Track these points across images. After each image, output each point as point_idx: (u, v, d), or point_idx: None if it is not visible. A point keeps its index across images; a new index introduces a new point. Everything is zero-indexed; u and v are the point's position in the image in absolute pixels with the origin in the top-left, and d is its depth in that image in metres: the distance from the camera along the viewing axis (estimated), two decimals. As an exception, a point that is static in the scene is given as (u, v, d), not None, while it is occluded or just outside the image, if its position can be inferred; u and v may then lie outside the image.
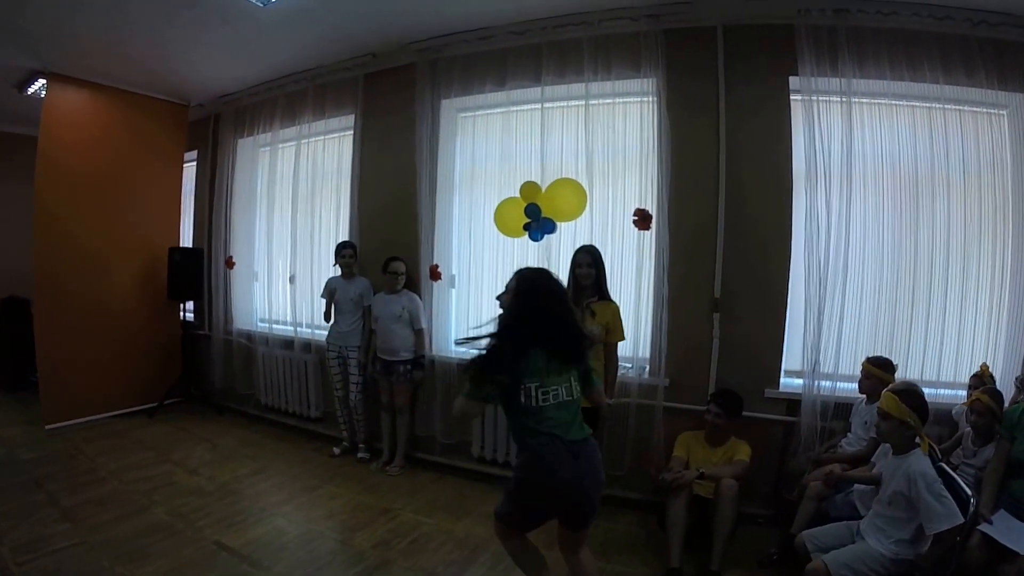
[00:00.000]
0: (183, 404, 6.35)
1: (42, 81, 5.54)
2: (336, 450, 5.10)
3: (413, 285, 4.76)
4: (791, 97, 3.78)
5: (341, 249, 4.92)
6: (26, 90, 5.81)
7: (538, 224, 3.99)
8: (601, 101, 4.16)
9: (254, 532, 3.70)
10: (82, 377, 5.67)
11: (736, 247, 3.87)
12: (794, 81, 3.75)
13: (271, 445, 5.31)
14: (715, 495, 3.26)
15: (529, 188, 4.04)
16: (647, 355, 4.05)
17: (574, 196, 3.96)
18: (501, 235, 4.28)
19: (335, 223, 5.44)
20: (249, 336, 6.11)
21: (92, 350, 5.74)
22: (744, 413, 3.63)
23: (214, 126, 6.44)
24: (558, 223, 4.02)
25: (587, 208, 4.01)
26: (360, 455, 4.98)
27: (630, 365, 4.06)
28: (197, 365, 6.49)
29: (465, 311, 4.79)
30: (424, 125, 4.71)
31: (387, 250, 4.79)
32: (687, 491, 3.29)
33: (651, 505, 3.86)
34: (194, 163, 6.76)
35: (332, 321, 5.02)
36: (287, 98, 5.62)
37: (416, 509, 4.06)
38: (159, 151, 6.29)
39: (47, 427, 5.50)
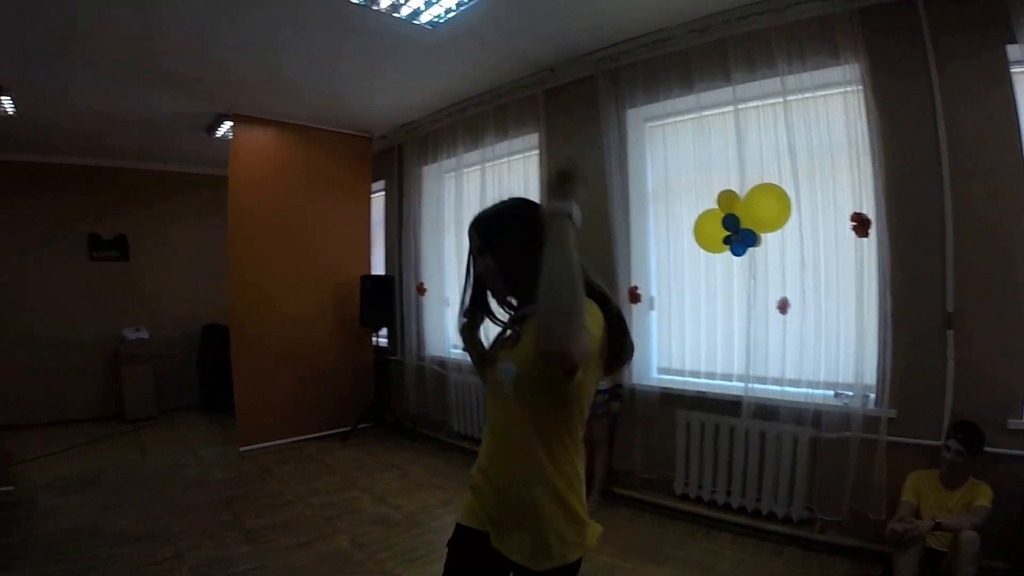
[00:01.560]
0: (375, 430, 6.81)
1: (229, 124, 6.25)
2: None
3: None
4: (1011, 70, 3.18)
5: None
6: (215, 133, 6.57)
7: (738, 237, 3.78)
8: (799, 96, 3.81)
9: (436, 568, 3.72)
10: (275, 401, 6.31)
11: (969, 253, 3.31)
12: (1012, 51, 3.13)
13: (460, 475, 5.36)
14: (952, 549, 2.84)
15: (726, 198, 3.85)
16: (870, 380, 3.58)
17: (776, 203, 3.68)
18: (702, 251, 4.10)
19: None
20: (442, 362, 6.34)
21: (286, 375, 6.37)
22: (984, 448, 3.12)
23: (399, 155, 6.91)
24: (761, 234, 3.77)
25: (792, 215, 3.70)
26: None
27: (851, 393, 3.64)
28: (390, 391, 6.96)
29: (667, 335, 4.62)
30: (610, 138, 4.66)
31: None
32: (920, 544, 2.91)
33: (873, 555, 3.46)
34: (383, 192, 7.32)
35: None
36: (468, 122, 5.86)
37: (611, 550, 3.88)
38: (346, 183, 6.90)
39: (240, 448, 6.14)
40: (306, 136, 6.62)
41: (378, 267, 7.31)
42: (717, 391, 4.20)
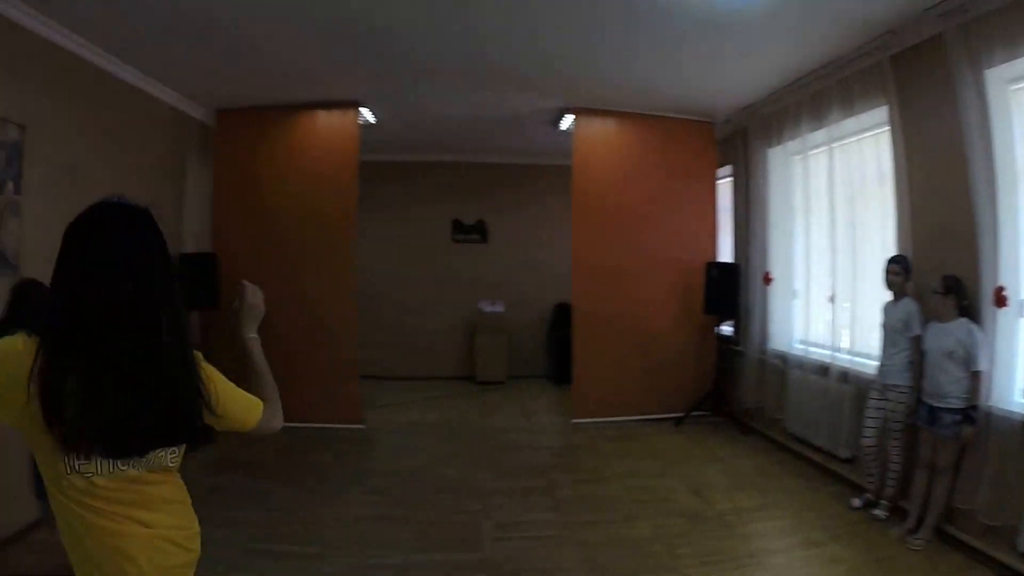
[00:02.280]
0: (710, 419, 6.75)
1: (571, 117, 6.76)
2: (856, 501, 4.56)
3: (973, 312, 3.85)
4: None
5: (887, 264, 4.36)
6: (559, 126, 7.15)
7: None
8: None
9: (732, 576, 3.61)
10: (612, 379, 6.74)
11: None
12: None
13: (786, 480, 5.11)
14: None
15: None
16: None
17: None
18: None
19: (880, 234, 4.88)
20: (783, 357, 6.00)
21: (624, 356, 6.76)
22: None
23: (744, 138, 6.66)
24: None
25: None
26: (877, 512, 4.35)
27: None
28: (729, 382, 6.80)
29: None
30: (967, 106, 3.84)
31: (940, 265, 4.03)
32: None
33: None
34: (731, 178, 7.12)
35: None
36: (811, 99, 5.43)
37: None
38: (690, 168, 6.93)
39: (573, 421, 6.71)
40: (647, 124, 6.86)
41: (726, 254, 7.16)
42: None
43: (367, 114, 6.95)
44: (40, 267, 4.07)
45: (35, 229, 4.24)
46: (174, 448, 1.47)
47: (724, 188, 7.22)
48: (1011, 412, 3.63)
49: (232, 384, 1.68)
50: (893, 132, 4.55)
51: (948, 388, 3.80)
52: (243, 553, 3.73)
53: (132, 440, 1.37)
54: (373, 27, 4.58)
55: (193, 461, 4.96)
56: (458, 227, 9.82)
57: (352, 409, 6.76)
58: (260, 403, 1.80)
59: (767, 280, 6.22)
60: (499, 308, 9.34)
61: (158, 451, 1.41)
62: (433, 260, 9.69)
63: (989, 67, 3.76)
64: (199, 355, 1.54)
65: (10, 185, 4.16)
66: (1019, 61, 3.59)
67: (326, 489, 4.96)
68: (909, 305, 4.21)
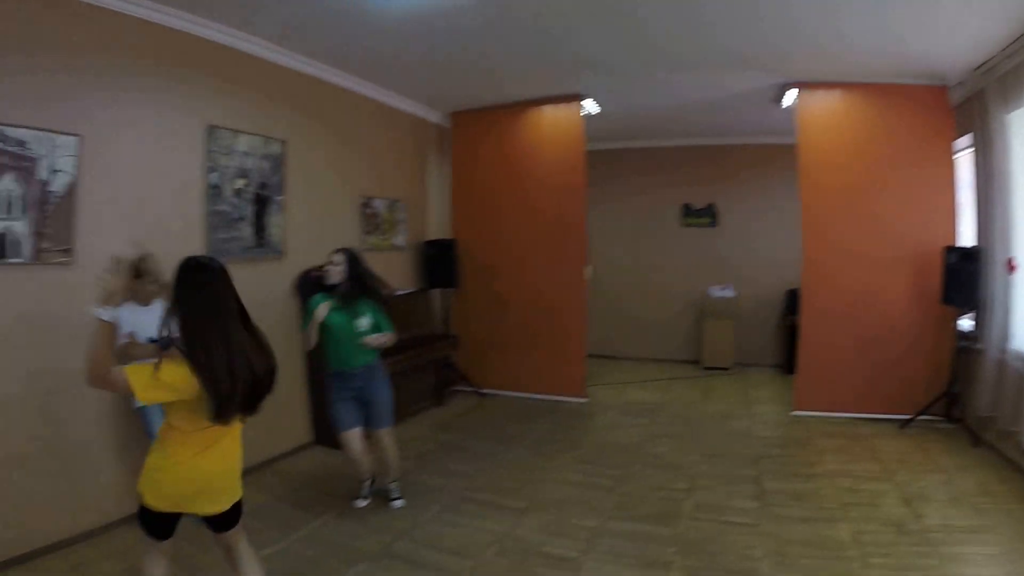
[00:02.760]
0: (940, 424, 6.08)
1: (793, 92, 6.40)
2: None
3: None
4: None
5: None
6: (781, 103, 6.78)
7: None
8: None
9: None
10: (837, 372, 6.36)
11: None
12: None
13: (1011, 503, 4.44)
14: None
15: None
16: None
17: None
18: None
19: None
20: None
21: (851, 347, 6.35)
22: None
23: (981, 103, 5.74)
24: None
25: None
26: None
27: None
28: (966, 384, 5.98)
29: None
30: None
31: None
32: None
33: None
34: (972, 150, 6.16)
35: None
36: None
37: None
38: (922, 142, 6.22)
39: (793, 412, 6.50)
40: (872, 93, 6.31)
41: (968, 237, 6.24)
42: None
43: (591, 105, 7.27)
44: (300, 253, 5.15)
45: (294, 223, 5.63)
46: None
47: (964, 161, 6.30)
48: None
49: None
50: None
51: None
52: (456, 499, 4.50)
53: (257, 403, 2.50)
54: (591, 17, 4.81)
55: (427, 420, 6.08)
56: (688, 211, 9.81)
57: (577, 385, 7.37)
58: None
59: (1011, 267, 5.37)
60: (729, 293, 9.23)
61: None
62: (663, 244, 9.85)
63: None
64: None
65: (276, 188, 5.37)
66: None
67: (542, 453, 5.59)
68: None
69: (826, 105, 6.43)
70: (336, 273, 4.09)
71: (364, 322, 4.16)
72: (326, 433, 5.45)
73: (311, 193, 5.82)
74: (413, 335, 6.57)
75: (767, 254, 9.11)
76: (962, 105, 6.20)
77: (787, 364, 8.20)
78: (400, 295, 6.64)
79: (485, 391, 7.59)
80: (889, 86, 6.24)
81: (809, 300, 6.51)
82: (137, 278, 3.55)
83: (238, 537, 2.70)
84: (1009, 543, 3.87)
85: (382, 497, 4.51)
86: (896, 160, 6.26)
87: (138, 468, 2.48)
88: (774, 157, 8.74)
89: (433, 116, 7.84)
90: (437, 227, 7.91)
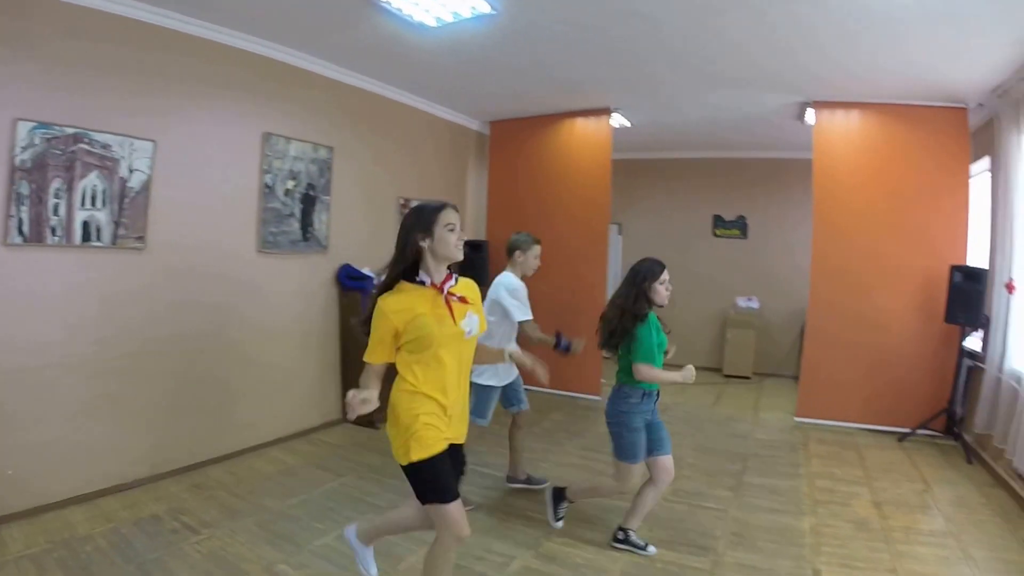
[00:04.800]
0: (939, 440, 6.13)
1: (812, 110, 6.56)
2: None
3: None
4: None
5: None
6: (804, 120, 6.97)
7: None
8: None
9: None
10: (839, 382, 6.51)
11: None
12: None
13: (983, 515, 4.52)
14: None
15: None
16: None
17: None
18: None
19: None
20: (1020, 379, 5.17)
21: (855, 359, 6.48)
22: None
23: (996, 126, 5.79)
24: None
25: None
26: None
27: None
28: (969, 401, 6.04)
29: None
30: None
31: None
32: None
33: None
34: (988, 172, 6.22)
35: None
36: None
37: None
38: (938, 162, 6.27)
39: (796, 419, 6.67)
40: (891, 114, 6.40)
41: (981, 258, 6.22)
42: None
43: (622, 118, 7.65)
44: (342, 248, 5.90)
45: (339, 221, 6.21)
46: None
47: (983, 183, 6.31)
48: None
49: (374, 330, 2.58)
50: None
51: None
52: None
53: None
54: (622, 39, 5.17)
55: None
56: (719, 222, 9.98)
57: (591, 382, 7.72)
58: (368, 356, 2.61)
59: (1010, 288, 5.41)
60: (754, 304, 9.41)
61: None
62: (694, 253, 9.99)
63: None
64: None
65: (323, 189, 6.02)
66: None
67: (549, 439, 6.02)
68: None
69: (844, 124, 6.55)
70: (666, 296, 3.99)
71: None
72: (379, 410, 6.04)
73: (354, 194, 6.35)
74: None
75: (793, 267, 9.08)
76: (983, 127, 6.25)
77: (807, 376, 8.36)
78: None
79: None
80: (908, 107, 6.30)
81: (816, 312, 6.68)
82: None
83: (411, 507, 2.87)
84: (966, 549, 3.96)
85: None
86: (911, 179, 6.31)
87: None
88: (804, 172, 8.70)
89: (473, 124, 8.26)
90: (473, 228, 8.30)
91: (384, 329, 2.49)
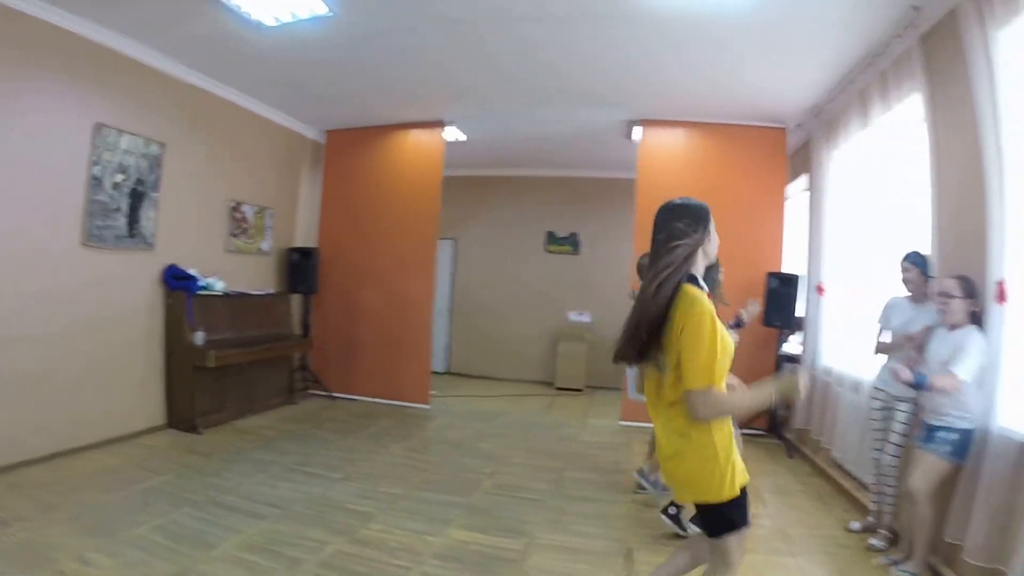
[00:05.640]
0: (764, 439, 6.44)
1: (638, 128, 6.76)
2: (855, 525, 4.12)
3: (980, 317, 3.30)
4: None
5: (903, 261, 3.89)
6: (631, 138, 7.17)
7: None
8: None
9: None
10: None
11: None
12: None
13: (798, 499, 4.80)
14: None
15: None
16: None
17: None
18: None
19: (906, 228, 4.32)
20: (829, 374, 5.56)
21: None
22: None
23: (812, 144, 6.23)
24: None
25: None
26: (873, 542, 3.86)
27: None
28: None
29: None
30: (982, 81, 3.32)
31: (959, 266, 3.52)
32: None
33: None
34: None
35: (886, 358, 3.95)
36: (859, 96, 5.03)
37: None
38: (759, 177, 6.64)
39: (621, 423, 6.94)
40: (715, 133, 6.75)
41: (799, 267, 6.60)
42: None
43: (456, 132, 7.65)
44: (169, 248, 5.70)
45: (167, 219, 5.90)
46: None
47: (803, 198, 6.70)
48: (1011, 434, 3.03)
49: (704, 341, 2.01)
50: (928, 124, 4.01)
51: (943, 401, 3.31)
52: (285, 470, 4.88)
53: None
54: (448, 47, 5.22)
55: (278, 414, 6.45)
56: (552, 238, 10.14)
57: (421, 391, 7.59)
58: (706, 379, 2.01)
59: (820, 291, 5.82)
60: (585, 318, 9.58)
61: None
62: (527, 269, 10.14)
63: (1000, 28, 3.21)
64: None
65: (152, 186, 5.71)
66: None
67: (375, 442, 5.91)
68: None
69: (668, 141, 6.83)
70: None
71: None
72: (179, 416, 5.86)
73: (184, 193, 6.07)
74: (268, 333, 6.82)
75: (623, 281, 8.95)
76: (803, 146, 6.68)
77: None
78: (260, 296, 6.97)
79: (337, 394, 7.70)
80: (733, 126, 6.67)
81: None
82: None
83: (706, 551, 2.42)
84: (782, 529, 4.17)
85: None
86: (733, 195, 6.55)
87: None
88: (633, 190, 9.12)
89: (310, 132, 8.03)
90: (304, 236, 8.05)
91: (719, 334, 2.03)
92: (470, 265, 10.38)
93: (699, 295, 2.08)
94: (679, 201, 2.25)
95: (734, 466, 2.13)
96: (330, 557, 3.40)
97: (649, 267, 2.18)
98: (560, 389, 9.42)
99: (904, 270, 3.89)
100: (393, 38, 5.07)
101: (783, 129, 6.70)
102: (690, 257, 2.14)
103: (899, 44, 4.31)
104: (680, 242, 2.12)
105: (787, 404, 1.66)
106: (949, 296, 3.36)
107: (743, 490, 2.19)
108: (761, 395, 2.15)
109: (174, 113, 5.91)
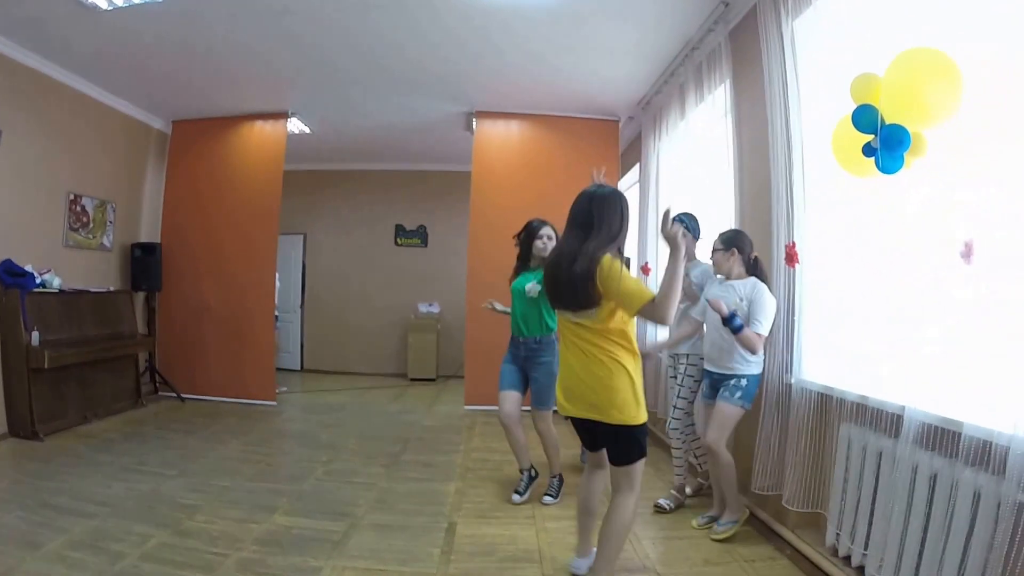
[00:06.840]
0: None
1: (475, 120, 6.80)
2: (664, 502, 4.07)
3: (762, 271, 3.53)
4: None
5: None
6: (471, 130, 7.21)
7: (880, 140, 2.39)
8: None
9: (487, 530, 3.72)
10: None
11: None
12: None
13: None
14: None
15: (862, 84, 2.48)
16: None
17: (934, 78, 2.21)
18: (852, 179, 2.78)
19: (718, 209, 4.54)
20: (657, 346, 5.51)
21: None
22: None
23: (643, 135, 6.45)
24: (917, 132, 2.33)
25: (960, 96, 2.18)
26: (661, 502, 3.99)
27: None
28: None
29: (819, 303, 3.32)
30: (775, 69, 3.56)
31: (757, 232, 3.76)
32: None
33: None
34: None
35: None
36: (679, 88, 5.24)
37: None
38: (592, 167, 6.86)
39: (465, 407, 7.00)
40: (551, 125, 6.91)
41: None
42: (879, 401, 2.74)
43: (300, 124, 7.46)
44: (2, 241, 5.30)
45: (6, 205, 5.52)
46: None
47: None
48: (807, 384, 3.27)
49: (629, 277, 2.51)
50: (728, 113, 4.31)
51: (729, 351, 3.46)
52: (119, 470, 4.63)
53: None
54: (289, 27, 5.00)
55: (123, 418, 5.81)
56: (401, 231, 10.08)
57: (267, 389, 7.33)
58: (648, 293, 2.45)
59: (646, 271, 6.09)
60: (435, 309, 9.51)
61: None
62: (377, 263, 10.00)
63: (797, 17, 3.47)
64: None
65: None
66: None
67: (214, 440, 5.64)
68: (701, 266, 4.02)
69: (504, 133, 6.93)
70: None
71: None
72: (19, 423, 5.37)
73: (17, 184, 5.58)
74: (108, 332, 6.33)
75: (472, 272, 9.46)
76: (637, 138, 6.89)
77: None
78: (100, 293, 6.43)
79: (186, 396, 7.28)
80: (568, 119, 6.87)
81: (473, 311, 6.59)
82: None
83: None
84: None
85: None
86: (568, 186, 6.52)
87: None
88: None
89: (155, 122, 7.48)
90: (149, 230, 7.54)
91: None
92: (321, 260, 10.05)
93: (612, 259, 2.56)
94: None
95: (641, 393, 2.59)
96: (152, 549, 3.29)
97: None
98: (413, 380, 9.36)
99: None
100: (217, 27, 4.92)
101: (616, 122, 6.96)
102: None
103: (712, 38, 4.54)
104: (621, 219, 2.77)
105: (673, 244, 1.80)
106: (714, 250, 3.64)
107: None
108: (673, 262, 2.43)
109: (8, 97, 5.42)
